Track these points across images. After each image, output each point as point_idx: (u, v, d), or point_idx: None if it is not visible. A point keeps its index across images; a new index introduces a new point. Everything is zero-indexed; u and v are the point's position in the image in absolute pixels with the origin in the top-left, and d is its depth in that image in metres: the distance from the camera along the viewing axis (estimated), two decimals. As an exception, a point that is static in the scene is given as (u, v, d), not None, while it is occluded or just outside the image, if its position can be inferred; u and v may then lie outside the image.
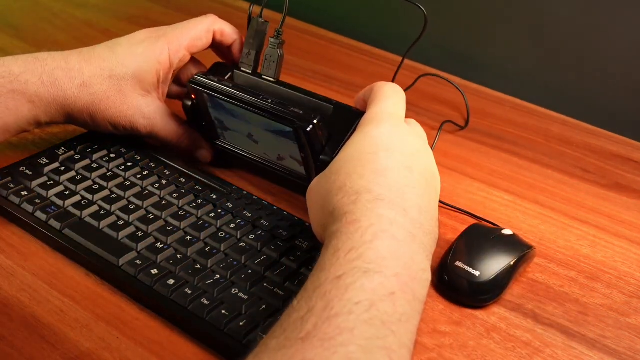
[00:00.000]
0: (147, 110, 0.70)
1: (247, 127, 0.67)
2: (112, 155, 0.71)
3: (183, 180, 0.69)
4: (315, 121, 0.61)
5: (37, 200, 0.64)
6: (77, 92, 0.67)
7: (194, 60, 0.75)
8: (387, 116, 0.58)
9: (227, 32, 0.73)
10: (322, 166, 0.61)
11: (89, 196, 0.65)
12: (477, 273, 0.59)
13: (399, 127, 0.57)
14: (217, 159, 0.74)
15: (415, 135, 0.58)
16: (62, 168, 0.68)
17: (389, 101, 0.60)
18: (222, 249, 0.61)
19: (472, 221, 0.68)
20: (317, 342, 0.41)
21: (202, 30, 0.72)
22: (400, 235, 0.49)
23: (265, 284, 0.57)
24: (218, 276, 0.58)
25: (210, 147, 0.73)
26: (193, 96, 0.69)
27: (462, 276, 0.59)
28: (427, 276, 0.50)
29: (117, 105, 0.69)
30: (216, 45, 0.73)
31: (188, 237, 0.62)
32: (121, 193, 0.66)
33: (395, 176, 0.53)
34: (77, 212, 0.63)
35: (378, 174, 0.53)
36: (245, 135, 0.68)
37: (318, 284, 0.46)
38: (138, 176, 0.68)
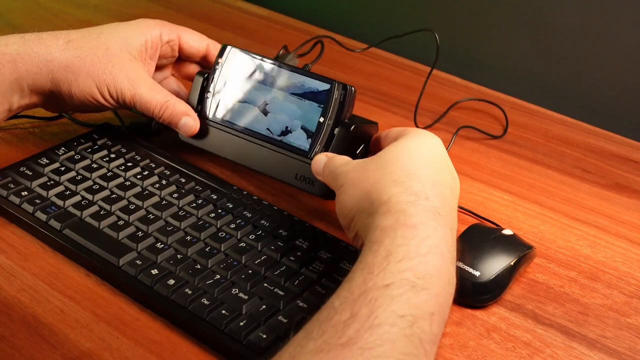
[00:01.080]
0: (132, 75, 0.68)
1: (268, 94, 0.69)
2: (113, 156, 0.71)
3: (183, 180, 0.69)
4: (351, 86, 0.66)
5: (37, 201, 0.64)
6: (62, 47, 0.66)
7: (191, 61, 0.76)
8: (432, 134, 0.60)
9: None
10: (330, 140, 0.65)
11: (89, 196, 0.65)
12: (477, 273, 0.59)
13: (442, 145, 0.59)
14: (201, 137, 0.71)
15: (449, 159, 0.60)
16: (62, 168, 0.68)
17: (424, 134, 0.61)
18: (222, 249, 0.61)
19: (473, 221, 0.68)
20: (357, 350, 0.41)
21: (198, 34, 0.73)
22: (447, 255, 0.49)
23: (265, 284, 0.57)
24: (218, 276, 0.58)
25: (197, 119, 0.70)
26: (220, 60, 0.70)
27: (462, 276, 0.59)
28: (452, 299, 0.50)
29: (103, 62, 0.67)
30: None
31: (188, 237, 0.62)
32: (121, 193, 0.66)
33: (445, 192, 0.54)
34: (78, 212, 0.63)
35: (434, 185, 0.53)
36: (257, 105, 0.69)
37: (364, 288, 0.45)
38: (138, 176, 0.68)
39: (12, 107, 0.67)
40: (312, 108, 0.66)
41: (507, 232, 0.64)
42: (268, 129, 0.68)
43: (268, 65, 0.69)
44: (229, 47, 0.71)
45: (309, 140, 0.66)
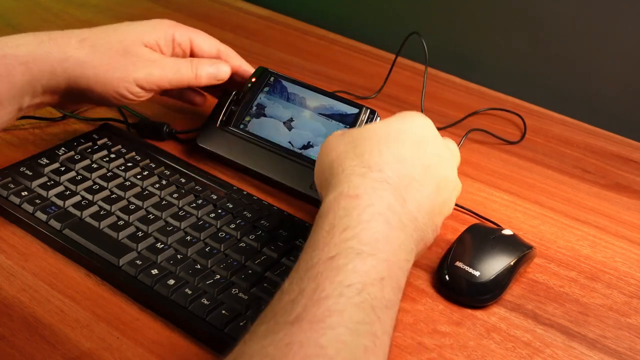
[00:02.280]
0: (152, 57, 0.67)
1: (295, 112, 0.72)
2: (112, 156, 0.71)
3: (183, 180, 0.69)
4: (376, 112, 0.70)
5: (37, 201, 0.64)
6: (76, 46, 0.64)
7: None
8: (426, 118, 0.59)
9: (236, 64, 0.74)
10: None
11: (89, 196, 0.65)
12: (477, 273, 0.59)
13: (435, 131, 0.59)
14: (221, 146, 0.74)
15: (446, 147, 0.60)
16: (62, 168, 0.68)
17: (413, 114, 0.61)
18: (222, 249, 0.61)
19: (473, 221, 0.68)
20: (306, 324, 0.41)
21: (210, 38, 0.73)
22: (393, 221, 0.50)
23: (265, 284, 0.57)
24: (218, 276, 0.58)
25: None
26: (253, 79, 0.74)
27: (462, 276, 0.59)
28: (409, 267, 0.50)
29: (121, 54, 0.66)
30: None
31: (188, 237, 0.62)
32: (121, 193, 0.66)
33: (409, 168, 0.54)
34: (78, 212, 0.63)
35: (396, 160, 0.54)
36: (282, 121, 0.72)
37: (310, 264, 0.45)
38: (138, 176, 0.68)
39: (23, 107, 0.65)
40: (337, 128, 0.69)
41: (507, 232, 0.64)
42: (290, 142, 0.71)
43: (300, 87, 0.74)
44: (263, 69, 0.75)
45: None
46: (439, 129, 0.84)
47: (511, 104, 0.91)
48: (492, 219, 0.69)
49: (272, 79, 0.75)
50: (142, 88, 0.66)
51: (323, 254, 0.45)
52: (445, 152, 0.59)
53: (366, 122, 0.69)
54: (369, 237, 0.47)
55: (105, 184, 0.67)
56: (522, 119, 0.87)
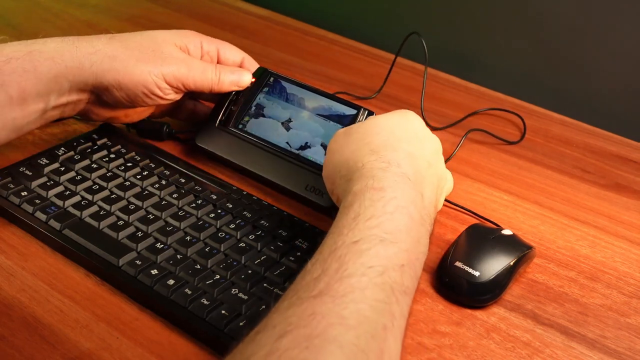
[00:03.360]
0: (181, 56, 0.68)
1: (294, 112, 0.72)
2: (112, 156, 0.71)
3: (183, 180, 0.69)
4: (373, 112, 0.70)
5: (37, 201, 0.64)
6: (105, 41, 0.65)
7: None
8: (417, 115, 0.63)
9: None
10: None
11: (89, 196, 0.65)
12: (476, 273, 0.59)
13: (427, 128, 0.62)
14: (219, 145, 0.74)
15: (437, 142, 0.63)
16: (62, 168, 0.68)
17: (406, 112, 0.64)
18: (222, 249, 0.61)
19: (473, 221, 0.68)
20: (328, 298, 0.43)
21: (235, 48, 0.74)
22: (415, 215, 0.52)
23: (265, 284, 0.57)
24: (218, 276, 0.58)
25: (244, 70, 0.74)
26: (253, 80, 0.74)
27: (461, 276, 0.59)
28: (424, 259, 0.52)
29: (152, 48, 0.66)
30: None
31: (188, 238, 0.62)
32: (121, 193, 0.66)
33: (421, 164, 0.57)
34: (77, 213, 0.63)
35: (410, 156, 0.56)
36: (280, 121, 0.72)
37: (334, 247, 0.47)
38: (138, 176, 0.68)
39: (48, 107, 0.64)
40: (335, 129, 0.68)
41: (507, 232, 0.64)
42: (287, 142, 0.71)
43: (299, 88, 0.74)
44: (263, 69, 0.75)
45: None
46: (438, 129, 0.85)
47: (511, 104, 0.92)
48: (491, 219, 0.69)
49: (271, 79, 0.75)
50: (170, 85, 0.67)
51: (347, 239, 0.47)
52: (440, 149, 0.62)
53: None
54: (392, 227, 0.49)
55: (105, 184, 0.67)
56: (522, 119, 0.87)
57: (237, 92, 0.74)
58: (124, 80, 0.64)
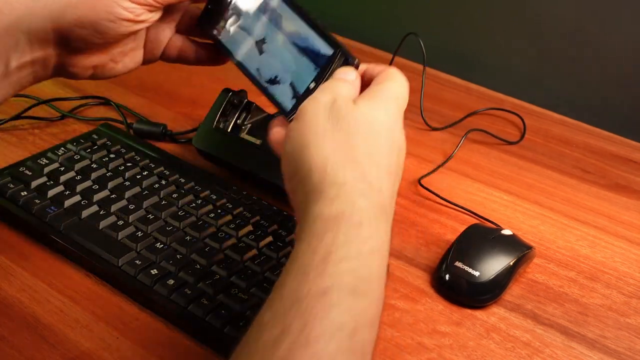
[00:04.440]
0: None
1: (269, 31, 0.60)
2: (112, 156, 0.71)
3: (183, 180, 0.69)
4: (357, 59, 0.58)
5: (37, 201, 0.64)
6: None
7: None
8: (395, 101, 0.51)
9: None
10: None
11: (89, 196, 0.65)
12: (476, 273, 0.59)
13: (399, 117, 0.51)
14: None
15: (403, 140, 0.52)
16: (62, 168, 0.68)
17: (401, 89, 0.53)
18: (221, 249, 0.61)
19: (472, 221, 0.68)
20: None
21: None
22: (386, 256, 0.45)
23: (265, 284, 0.57)
24: (218, 276, 0.58)
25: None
26: None
27: (461, 276, 0.59)
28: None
29: None
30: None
31: (188, 237, 0.62)
32: (121, 193, 0.66)
33: (396, 183, 0.49)
34: (77, 213, 0.63)
35: (390, 175, 0.48)
36: (254, 38, 0.60)
37: (299, 295, 0.39)
38: (138, 176, 0.68)
39: (10, 68, 0.55)
40: (307, 68, 0.57)
41: (507, 232, 0.64)
42: (258, 69, 0.60)
43: (281, 3, 0.59)
44: None
45: (293, 101, 0.57)
46: (438, 129, 0.85)
47: (511, 104, 0.92)
48: (491, 219, 0.69)
49: None
50: (136, 2, 0.55)
51: (314, 286, 0.40)
52: (403, 145, 0.52)
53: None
54: (366, 274, 0.42)
55: (105, 184, 0.67)
56: (522, 119, 0.87)
57: (234, 92, 0.72)
58: (84, 12, 0.54)
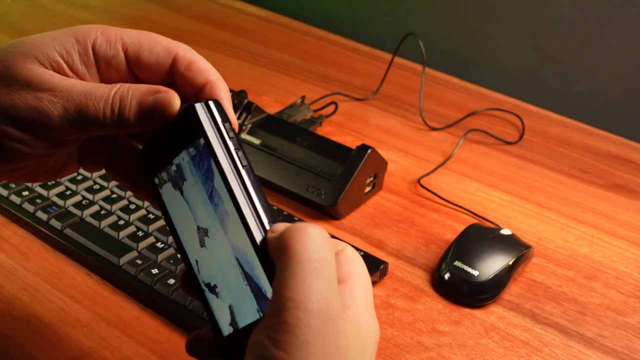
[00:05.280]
0: (35, 81, 0.40)
1: (212, 224, 0.40)
2: (113, 156, 0.71)
3: (183, 180, 0.69)
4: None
5: (38, 200, 0.64)
6: None
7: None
8: (334, 308, 0.34)
9: (200, 66, 0.42)
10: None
11: (90, 196, 0.65)
12: (475, 273, 0.59)
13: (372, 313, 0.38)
14: None
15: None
16: (63, 168, 0.69)
17: (324, 276, 0.35)
18: (222, 249, 0.61)
19: (471, 221, 0.68)
20: None
21: (158, 41, 0.43)
22: None
23: (265, 284, 0.57)
24: (218, 276, 0.58)
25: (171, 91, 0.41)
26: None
27: (461, 276, 0.60)
28: None
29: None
30: (180, 82, 0.43)
31: (188, 237, 0.62)
32: (122, 193, 0.66)
33: None
34: (78, 212, 0.64)
35: None
36: (197, 222, 0.40)
37: None
38: (138, 176, 0.68)
39: None
40: (249, 305, 0.38)
41: (506, 231, 0.64)
42: (197, 262, 0.41)
43: (233, 174, 0.38)
44: (214, 105, 0.39)
45: (230, 329, 0.39)
46: (438, 129, 0.85)
47: (510, 104, 0.92)
48: (490, 219, 0.69)
49: (202, 140, 0.38)
50: (29, 132, 0.40)
51: None
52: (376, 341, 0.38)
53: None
54: None
55: (105, 184, 0.67)
56: (521, 119, 0.87)
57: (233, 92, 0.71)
58: None
